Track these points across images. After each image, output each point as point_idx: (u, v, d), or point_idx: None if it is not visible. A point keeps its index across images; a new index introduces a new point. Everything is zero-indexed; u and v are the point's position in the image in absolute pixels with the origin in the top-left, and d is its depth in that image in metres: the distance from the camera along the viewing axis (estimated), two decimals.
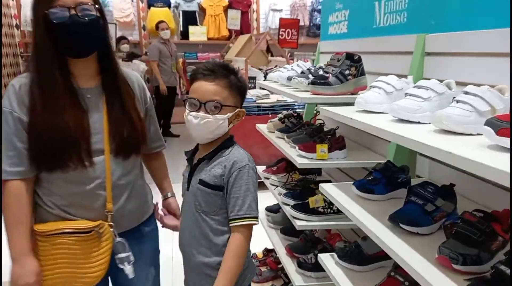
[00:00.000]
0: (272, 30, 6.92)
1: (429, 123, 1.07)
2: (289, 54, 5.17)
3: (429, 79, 1.47)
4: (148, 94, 1.43)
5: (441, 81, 1.14)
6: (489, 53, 1.24)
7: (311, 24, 7.57)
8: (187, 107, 1.24)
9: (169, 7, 6.98)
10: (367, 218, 1.21)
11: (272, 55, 5.79)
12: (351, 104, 1.82)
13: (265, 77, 5.03)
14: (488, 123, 0.77)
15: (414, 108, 1.05)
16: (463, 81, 1.24)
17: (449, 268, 0.90)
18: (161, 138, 1.53)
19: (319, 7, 7.49)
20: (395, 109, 1.08)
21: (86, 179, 1.22)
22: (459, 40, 1.36)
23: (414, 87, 1.12)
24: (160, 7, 6.89)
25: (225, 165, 1.24)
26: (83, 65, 1.23)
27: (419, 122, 1.06)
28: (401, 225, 1.07)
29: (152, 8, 6.88)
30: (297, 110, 3.92)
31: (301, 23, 6.83)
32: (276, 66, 5.30)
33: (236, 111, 1.25)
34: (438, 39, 1.44)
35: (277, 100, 4.33)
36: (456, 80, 1.18)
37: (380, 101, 1.24)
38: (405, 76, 1.41)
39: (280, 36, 4.91)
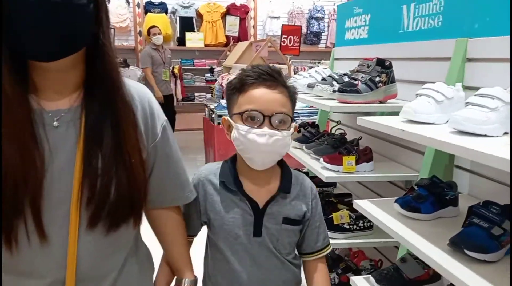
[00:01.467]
0: (270, 37, 6.83)
1: (497, 136, 0.95)
2: (289, 61, 5.08)
3: (470, 87, 1.38)
4: (160, 123, 0.89)
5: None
6: None
7: (308, 32, 7.51)
8: (241, 123, 0.93)
9: (166, 12, 6.86)
10: (418, 240, 1.08)
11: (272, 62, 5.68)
12: (372, 113, 1.73)
13: None
14: None
15: (481, 119, 0.94)
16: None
17: None
18: (183, 187, 0.97)
19: (317, 14, 7.46)
20: (458, 120, 0.96)
21: (33, 269, 0.76)
22: (505, 45, 1.25)
23: (476, 95, 1.00)
24: (157, 12, 6.76)
25: (304, 194, 1.04)
26: (54, 74, 0.75)
27: (485, 135, 0.95)
28: (466, 251, 0.94)
29: (149, 13, 6.75)
30: (301, 118, 3.81)
31: None
32: None
33: (293, 125, 0.99)
34: (483, 44, 1.34)
35: None
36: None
37: (431, 111, 1.13)
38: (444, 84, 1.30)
39: (282, 43, 4.82)
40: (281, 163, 1.04)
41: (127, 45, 6.82)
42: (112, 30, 4.41)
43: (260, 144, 0.92)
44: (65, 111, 0.77)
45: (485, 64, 1.34)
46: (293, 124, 0.99)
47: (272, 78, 0.94)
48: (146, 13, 6.78)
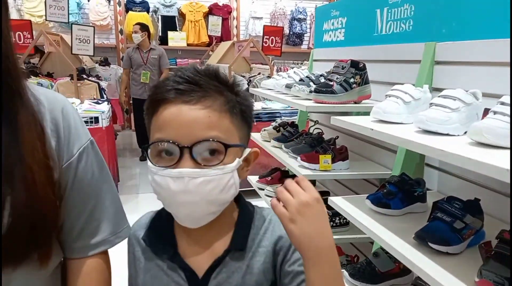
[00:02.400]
0: (253, 38, 6.87)
1: (458, 135, 1.01)
2: (272, 62, 5.12)
3: (438, 88, 1.44)
4: (79, 142, 0.71)
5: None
6: (501, 63, 1.21)
7: (291, 33, 7.58)
8: (153, 162, 0.63)
9: (148, 11, 6.81)
10: (388, 235, 1.13)
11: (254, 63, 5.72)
12: (348, 113, 1.78)
13: (248, 84, 4.97)
14: None
15: (443, 119, 0.99)
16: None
17: None
18: (110, 225, 0.75)
19: (299, 16, 7.53)
20: (422, 120, 1.01)
21: None
22: (471, 49, 1.32)
23: (440, 96, 1.06)
24: (139, 11, 6.70)
25: (270, 249, 0.67)
26: None
27: (447, 134, 1.00)
28: (430, 244, 1.00)
29: (130, 12, 6.69)
30: (283, 118, 3.86)
31: None
32: (259, 73, 5.26)
33: (245, 153, 0.67)
34: (450, 48, 1.40)
35: (262, 108, 4.26)
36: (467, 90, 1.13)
37: (399, 111, 1.18)
38: (412, 85, 1.35)
39: (264, 43, 4.86)
40: (238, 204, 0.72)
41: (108, 43, 6.74)
42: (92, 28, 4.37)
43: (176, 192, 0.61)
44: None
45: (452, 67, 1.40)
46: (248, 151, 0.67)
47: (193, 86, 0.62)
48: (127, 11, 6.72)
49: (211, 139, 0.61)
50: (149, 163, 0.64)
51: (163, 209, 0.70)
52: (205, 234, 0.68)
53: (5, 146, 0.61)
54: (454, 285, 0.89)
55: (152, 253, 0.70)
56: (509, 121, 0.86)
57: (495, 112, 0.89)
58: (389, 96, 1.24)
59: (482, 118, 0.96)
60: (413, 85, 1.34)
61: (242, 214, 0.70)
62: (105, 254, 0.76)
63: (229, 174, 0.63)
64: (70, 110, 0.72)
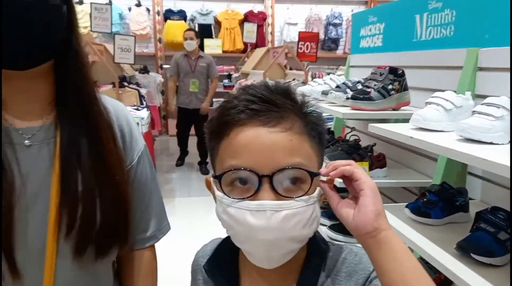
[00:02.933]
0: (288, 44, 6.91)
1: (502, 144, 0.99)
2: (307, 67, 5.12)
3: (481, 95, 1.40)
4: (138, 148, 0.79)
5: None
6: None
7: (326, 38, 7.55)
8: (224, 193, 0.56)
9: (185, 20, 7.01)
10: (428, 245, 1.12)
11: (290, 69, 5.75)
12: (386, 120, 1.76)
13: None
14: None
15: (487, 127, 0.97)
16: None
17: None
18: (158, 222, 0.83)
19: (335, 21, 7.49)
20: (464, 128, 1.00)
21: None
22: None
23: (483, 104, 1.04)
24: (177, 20, 6.92)
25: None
26: (22, 84, 0.66)
27: (491, 143, 0.98)
28: (472, 255, 0.98)
29: (168, 21, 6.92)
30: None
31: None
32: (294, 79, 5.27)
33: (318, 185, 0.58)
34: (493, 54, 1.36)
35: None
36: None
37: (440, 119, 1.16)
38: (453, 92, 1.33)
39: (299, 49, 4.87)
40: (317, 241, 0.63)
41: (147, 51, 7.00)
42: (133, 37, 4.56)
43: (256, 227, 0.53)
44: (37, 129, 0.68)
45: (495, 73, 1.36)
46: (318, 182, 0.57)
47: (269, 106, 0.55)
48: (165, 20, 6.95)
49: (295, 166, 0.54)
50: (218, 193, 0.56)
51: (229, 238, 0.61)
52: (272, 274, 0.59)
53: (90, 152, 0.68)
54: None
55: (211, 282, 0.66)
56: None
57: None
58: (430, 103, 1.22)
59: None
60: (455, 92, 1.32)
61: (312, 252, 0.61)
62: (153, 247, 0.84)
63: (312, 206, 0.55)
64: (131, 118, 0.80)
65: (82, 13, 6.64)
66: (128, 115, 0.80)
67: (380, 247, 0.50)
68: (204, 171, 4.92)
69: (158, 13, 6.99)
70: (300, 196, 0.54)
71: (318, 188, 0.56)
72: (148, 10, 6.87)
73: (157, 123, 5.39)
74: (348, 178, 0.55)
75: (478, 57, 1.42)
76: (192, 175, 4.71)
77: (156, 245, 0.85)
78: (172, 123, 7.12)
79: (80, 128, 0.69)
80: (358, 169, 0.53)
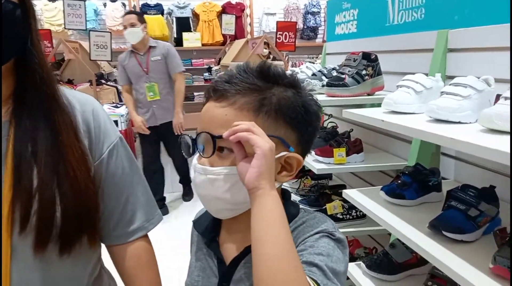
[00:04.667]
0: (266, 34, 6.89)
1: (470, 122, 1.00)
2: (286, 57, 5.12)
3: (452, 76, 1.42)
4: (108, 141, 0.78)
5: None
6: None
7: (305, 27, 7.54)
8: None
9: (162, 14, 6.90)
10: (402, 225, 1.14)
11: (274, 59, 5.73)
12: (363, 105, 1.77)
13: None
14: None
15: (454, 107, 0.99)
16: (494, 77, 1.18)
17: (506, 278, 0.83)
18: (144, 213, 0.83)
19: (313, 9, 7.48)
20: (433, 109, 1.01)
21: None
22: (484, 35, 1.30)
23: (451, 84, 1.05)
24: (153, 14, 6.80)
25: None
26: None
27: (459, 122, 1.00)
28: (444, 232, 1.00)
29: (145, 15, 6.78)
30: None
31: None
32: None
33: (280, 154, 0.62)
34: (463, 35, 1.38)
35: None
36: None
37: (411, 101, 1.18)
38: (425, 74, 1.34)
39: (277, 39, 4.86)
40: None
41: (125, 47, 6.86)
42: (109, 33, 4.47)
43: (193, 183, 0.66)
44: None
45: (465, 54, 1.38)
46: (284, 155, 0.62)
47: (226, 85, 0.63)
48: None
49: (204, 131, 0.62)
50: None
51: None
52: (240, 225, 0.67)
53: (47, 147, 0.67)
54: (469, 272, 0.88)
55: (201, 238, 0.74)
56: None
57: (506, 98, 0.88)
58: (401, 86, 1.24)
59: (494, 104, 0.95)
60: (427, 74, 1.33)
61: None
62: (145, 236, 0.85)
63: (235, 175, 0.60)
64: (99, 110, 0.78)
65: (56, 10, 6.46)
66: (97, 108, 0.78)
67: (253, 204, 0.56)
68: (188, 193, 3.81)
69: (134, 7, 6.85)
70: (221, 166, 0.62)
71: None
72: (124, 5, 6.73)
73: None
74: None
75: (448, 39, 1.43)
76: (174, 170, 4.68)
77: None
78: None
79: (38, 124, 0.68)
80: (254, 135, 0.57)
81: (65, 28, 5.08)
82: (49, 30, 5.03)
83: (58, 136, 0.69)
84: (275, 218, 0.55)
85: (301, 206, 0.70)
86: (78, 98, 0.77)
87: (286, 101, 0.63)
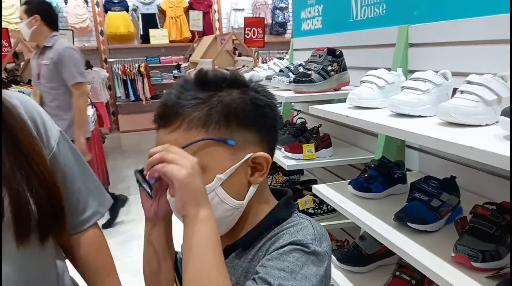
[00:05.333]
0: (235, 30, 6.85)
1: (430, 116, 1.03)
2: (255, 53, 5.11)
3: (413, 71, 1.46)
4: (54, 135, 0.79)
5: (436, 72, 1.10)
6: (473, 42, 1.23)
7: (274, 22, 7.56)
8: None
9: (127, 10, 6.74)
10: (369, 218, 1.16)
11: (240, 55, 5.71)
12: (331, 101, 1.80)
13: None
14: (505, 113, 0.73)
15: (414, 101, 1.01)
16: (451, 71, 1.22)
17: (467, 266, 0.87)
18: (98, 197, 0.87)
19: (281, 4, 7.50)
20: (394, 103, 1.03)
21: None
22: (442, 29, 1.34)
23: (411, 79, 1.08)
24: (118, 11, 6.63)
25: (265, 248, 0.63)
26: None
27: (419, 116, 1.02)
28: (408, 224, 1.03)
29: (109, 12, 6.61)
30: None
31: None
32: (243, 66, 5.24)
33: (243, 158, 0.62)
34: (422, 30, 1.42)
35: None
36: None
37: (374, 97, 1.20)
38: (388, 69, 1.37)
39: (246, 35, 4.84)
40: (272, 211, 0.67)
41: (89, 46, 6.67)
42: (71, 31, 4.32)
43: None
44: None
45: (425, 48, 1.42)
46: (250, 156, 0.62)
47: (166, 108, 0.62)
48: (106, 12, 6.64)
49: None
50: None
51: None
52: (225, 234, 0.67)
53: (8, 149, 0.68)
54: (432, 261, 0.91)
55: None
56: (475, 99, 0.88)
57: (462, 91, 0.91)
58: (364, 82, 1.26)
59: (452, 97, 0.98)
60: (390, 69, 1.36)
61: (268, 217, 0.66)
62: (96, 224, 0.88)
63: (209, 195, 0.60)
64: (38, 107, 0.79)
65: (13, 8, 6.16)
66: (35, 105, 0.79)
67: (184, 230, 0.58)
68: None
69: (97, 4, 6.65)
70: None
71: (217, 176, 0.61)
72: (86, 1, 6.52)
73: (105, 120, 5.18)
74: None
75: (409, 34, 1.47)
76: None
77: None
78: (123, 119, 6.90)
79: None
80: (169, 166, 0.56)
81: None
82: (6, 29, 4.79)
83: (15, 136, 0.69)
84: (201, 244, 0.56)
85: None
86: (17, 97, 0.76)
87: (232, 103, 0.61)
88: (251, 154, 0.62)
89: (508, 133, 0.75)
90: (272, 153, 0.67)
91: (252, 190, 0.64)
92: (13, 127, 0.69)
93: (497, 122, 0.85)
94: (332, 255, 1.45)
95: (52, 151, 0.78)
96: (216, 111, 0.60)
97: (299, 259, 0.58)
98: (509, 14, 1.05)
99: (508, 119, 0.72)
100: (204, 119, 0.60)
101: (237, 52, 5.55)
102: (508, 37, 1.07)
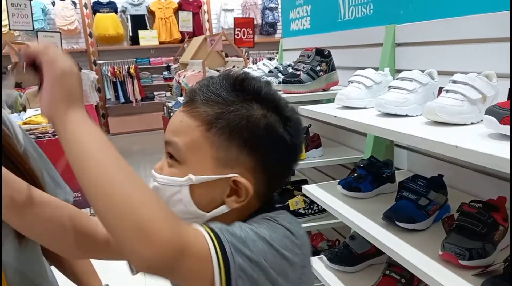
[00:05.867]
0: (225, 31, 6.84)
1: (416, 115, 1.04)
2: (246, 53, 5.11)
3: (401, 70, 1.47)
4: (17, 129, 0.80)
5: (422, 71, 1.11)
6: (458, 41, 1.24)
7: (264, 23, 7.56)
8: None
9: (116, 12, 6.68)
10: (358, 218, 1.17)
11: (226, 56, 5.69)
12: (320, 101, 1.80)
13: None
14: (489, 111, 0.74)
15: (401, 101, 1.02)
16: (438, 70, 1.23)
17: (455, 264, 0.87)
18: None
19: (270, 5, 7.50)
20: (381, 103, 1.04)
21: None
22: (428, 29, 1.35)
23: (398, 79, 1.09)
24: (106, 12, 6.58)
25: None
26: None
27: (406, 115, 1.03)
28: (397, 223, 1.03)
29: (97, 14, 6.55)
30: None
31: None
32: (234, 67, 5.23)
33: (222, 175, 0.58)
34: (409, 29, 1.43)
35: None
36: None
37: (362, 97, 1.20)
38: (376, 69, 1.38)
39: (236, 36, 4.83)
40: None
41: (78, 48, 6.60)
42: (59, 33, 4.28)
43: None
44: None
45: (411, 48, 1.43)
46: (232, 177, 0.57)
47: (193, 93, 0.61)
48: (94, 13, 6.58)
49: (170, 143, 0.58)
50: None
51: None
52: None
53: None
54: (420, 260, 0.92)
55: None
56: (460, 98, 0.89)
57: (447, 91, 0.92)
58: (352, 82, 1.26)
59: (437, 96, 0.99)
60: (377, 68, 1.37)
61: (251, 214, 0.61)
62: None
63: (173, 187, 0.57)
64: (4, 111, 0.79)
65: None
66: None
67: (58, 133, 0.52)
68: None
69: (85, 6, 6.59)
70: (163, 175, 0.59)
71: (189, 176, 0.57)
72: (74, 3, 6.46)
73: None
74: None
75: (396, 34, 1.48)
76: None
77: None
78: (113, 121, 6.85)
79: None
80: (46, 56, 0.52)
81: (10, 29, 4.79)
82: None
83: None
84: (93, 146, 0.50)
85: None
86: None
87: (246, 119, 0.56)
88: (236, 175, 0.57)
89: (493, 131, 0.76)
90: (265, 191, 0.60)
91: (223, 208, 0.59)
92: None
93: (481, 120, 0.86)
94: (323, 256, 1.46)
95: (23, 147, 0.78)
96: (228, 118, 0.56)
97: (258, 222, 0.55)
98: (495, 13, 1.06)
99: (492, 118, 0.73)
100: (213, 118, 0.57)
101: (223, 53, 5.53)
102: (492, 36, 1.08)
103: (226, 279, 0.48)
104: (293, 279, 0.53)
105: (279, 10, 7.60)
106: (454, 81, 0.92)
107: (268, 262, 0.50)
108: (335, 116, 1.14)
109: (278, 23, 7.61)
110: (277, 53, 6.52)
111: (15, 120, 0.84)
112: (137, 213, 0.45)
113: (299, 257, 0.55)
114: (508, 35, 0.98)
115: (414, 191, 1.06)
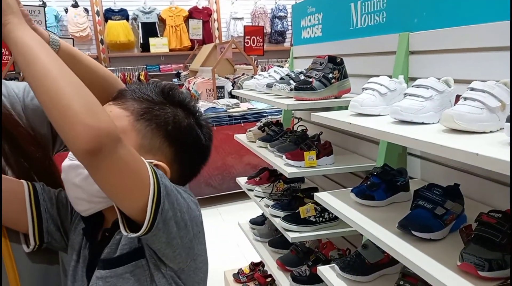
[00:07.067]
0: (234, 38, 6.89)
1: (433, 123, 1.03)
2: (255, 61, 5.13)
3: (414, 78, 1.46)
4: (19, 87, 0.83)
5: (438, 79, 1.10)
6: (474, 49, 1.23)
7: (273, 31, 7.60)
8: None
9: (127, 19, 6.77)
10: (372, 226, 1.15)
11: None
12: (331, 108, 1.79)
13: (233, 85, 4.96)
14: (510, 119, 0.72)
15: (417, 108, 1.01)
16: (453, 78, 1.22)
17: (474, 275, 0.85)
18: None
19: (280, 13, 7.55)
20: (397, 110, 1.03)
21: None
22: (442, 37, 1.34)
23: (413, 86, 1.08)
24: (118, 19, 6.67)
25: None
26: None
27: (422, 123, 1.02)
28: (413, 232, 1.01)
29: (109, 21, 6.64)
30: (269, 117, 3.88)
31: None
32: (243, 74, 5.26)
33: (148, 161, 0.65)
34: (423, 37, 1.42)
35: (248, 108, 4.26)
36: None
37: (376, 104, 1.19)
38: (389, 76, 1.37)
39: (245, 44, 4.87)
40: None
41: (89, 54, 6.68)
42: (71, 40, 4.34)
43: (62, 169, 0.73)
44: None
45: (426, 56, 1.42)
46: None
47: (136, 89, 0.72)
48: (106, 20, 6.67)
49: None
50: None
51: None
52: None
53: (6, 141, 0.72)
54: (437, 270, 0.90)
55: None
56: (479, 106, 0.87)
57: (465, 98, 0.90)
58: (366, 89, 1.25)
59: (454, 104, 0.98)
60: (391, 76, 1.36)
61: None
62: None
63: (77, 166, 0.66)
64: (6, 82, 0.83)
65: None
66: (9, 83, 0.81)
67: (10, 45, 0.59)
68: None
69: (97, 13, 6.69)
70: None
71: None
72: (86, 10, 6.55)
73: None
74: None
75: (409, 41, 1.47)
76: None
77: None
78: None
79: None
80: None
81: None
82: None
83: (10, 132, 0.73)
84: (35, 45, 0.58)
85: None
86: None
87: (172, 116, 0.70)
88: (153, 161, 0.68)
89: None
90: (178, 181, 0.72)
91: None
92: (9, 128, 0.73)
93: (501, 129, 0.85)
94: (334, 264, 1.44)
95: (24, 101, 0.80)
96: (155, 113, 0.68)
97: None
98: (509, 21, 1.05)
99: None
100: (141, 111, 0.68)
101: (232, 61, 5.56)
102: (509, 44, 1.07)
103: (157, 189, 0.60)
104: (195, 232, 0.68)
105: (288, 19, 7.65)
106: (472, 89, 0.91)
107: (183, 207, 0.65)
108: (349, 123, 1.13)
109: (287, 32, 7.65)
110: (286, 61, 6.56)
111: None
112: (70, 99, 0.55)
113: (200, 214, 0.70)
114: None
115: (430, 200, 1.05)
